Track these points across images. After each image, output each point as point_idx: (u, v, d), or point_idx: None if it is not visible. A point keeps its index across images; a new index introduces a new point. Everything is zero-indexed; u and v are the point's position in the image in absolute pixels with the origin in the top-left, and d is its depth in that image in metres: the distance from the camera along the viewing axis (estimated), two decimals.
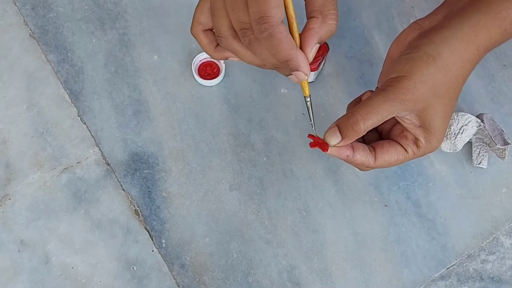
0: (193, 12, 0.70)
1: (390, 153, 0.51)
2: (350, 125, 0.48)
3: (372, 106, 0.48)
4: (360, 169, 0.55)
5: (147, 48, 0.69)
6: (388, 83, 0.48)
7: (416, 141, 0.51)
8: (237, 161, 0.66)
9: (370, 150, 0.52)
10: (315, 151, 0.66)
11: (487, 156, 0.65)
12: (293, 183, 0.65)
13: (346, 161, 0.52)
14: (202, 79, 0.67)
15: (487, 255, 0.65)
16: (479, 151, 0.65)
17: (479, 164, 0.65)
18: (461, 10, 0.49)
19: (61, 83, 0.67)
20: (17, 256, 0.63)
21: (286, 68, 0.43)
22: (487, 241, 0.65)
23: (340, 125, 0.49)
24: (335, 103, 0.67)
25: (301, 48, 0.44)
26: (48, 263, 0.63)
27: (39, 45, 0.68)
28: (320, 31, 0.44)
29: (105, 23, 0.69)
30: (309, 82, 0.68)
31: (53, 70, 0.68)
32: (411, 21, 0.70)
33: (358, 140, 0.54)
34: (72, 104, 0.67)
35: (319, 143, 0.51)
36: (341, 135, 0.49)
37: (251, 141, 0.66)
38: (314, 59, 0.63)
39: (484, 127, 0.63)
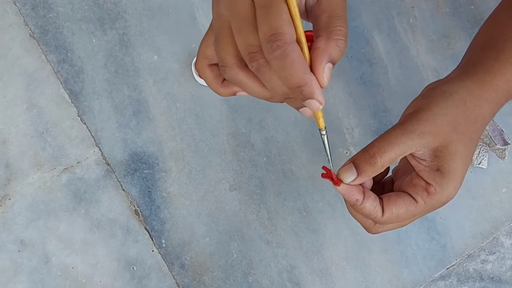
0: (193, 13, 0.71)
1: (398, 204, 0.46)
2: (367, 160, 0.45)
3: (389, 139, 0.44)
4: (367, 229, 0.50)
5: (147, 48, 0.69)
6: (406, 117, 0.46)
7: (427, 187, 0.46)
8: (237, 161, 0.66)
9: (379, 202, 0.47)
10: (315, 151, 0.66)
11: (487, 156, 0.65)
12: (293, 183, 0.65)
13: (354, 207, 0.47)
14: (202, 79, 0.67)
15: (487, 255, 0.65)
16: (479, 151, 0.65)
17: (479, 164, 0.65)
18: (474, 60, 0.48)
19: (61, 83, 0.67)
20: (17, 256, 0.63)
21: (298, 95, 0.37)
22: (487, 241, 0.65)
23: (356, 161, 0.46)
24: (335, 104, 0.67)
25: (311, 70, 0.38)
26: (48, 263, 0.63)
27: (39, 45, 0.68)
28: (328, 48, 0.37)
29: (105, 23, 0.69)
30: None
31: (53, 70, 0.68)
32: (411, 21, 0.70)
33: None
34: (72, 104, 0.67)
35: (332, 177, 0.46)
36: (357, 171, 0.45)
37: (251, 141, 0.66)
38: None
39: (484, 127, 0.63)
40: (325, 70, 0.38)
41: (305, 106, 0.39)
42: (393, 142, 0.44)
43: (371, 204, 0.46)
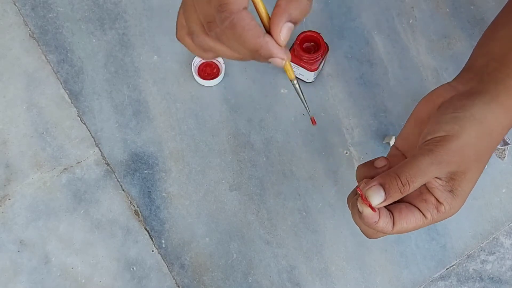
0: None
1: (408, 219, 0.46)
2: (399, 187, 0.44)
3: (420, 168, 0.44)
4: (368, 236, 0.49)
5: (147, 49, 0.69)
6: (436, 143, 0.45)
7: (438, 206, 0.46)
8: (237, 161, 0.66)
9: (390, 216, 0.47)
10: (315, 151, 0.66)
11: None
12: (293, 184, 0.65)
13: (370, 226, 0.46)
14: (202, 79, 0.67)
15: (486, 255, 0.65)
16: None
17: None
18: (494, 76, 0.48)
19: (61, 83, 0.67)
20: (17, 256, 0.63)
21: (259, 57, 0.39)
22: (487, 241, 0.65)
23: (386, 185, 0.45)
24: (335, 104, 0.67)
25: (269, 31, 0.39)
26: (48, 263, 0.63)
27: (39, 45, 0.68)
28: (288, 7, 0.38)
29: (105, 23, 0.69)
30: (308, 83, 0.68)
31: (53, 70, 0.68)
32: (411, 22, 0.70)
33: None
34: (72, 104, 0.67)
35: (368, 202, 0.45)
36: (385, 195, 0.45)
37: (251, 141, 0.66)
38: (313, 59, 0.63)
39: None
40: (282, 30, 0.38)
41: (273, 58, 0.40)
42: (424, 171, 0.44)
43: (384, 221, 0.46)
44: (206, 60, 0.67)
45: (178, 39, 0.45)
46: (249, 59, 0.42)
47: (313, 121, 0.48)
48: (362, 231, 0.49)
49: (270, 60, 0.39)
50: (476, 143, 0.45)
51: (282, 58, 0.39)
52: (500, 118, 0.46)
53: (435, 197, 0.46)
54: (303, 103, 0.46)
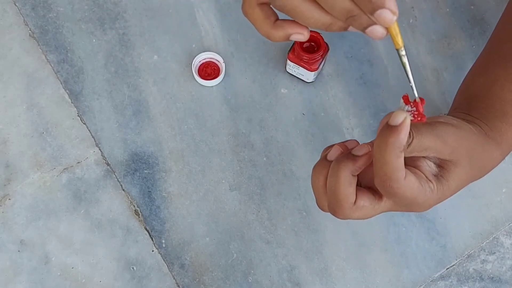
0: (193, 13, 0.70)
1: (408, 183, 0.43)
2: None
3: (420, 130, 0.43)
4: (339, 208, 0.45)
5: (147, 48, 0.69)
6: (435, 123, 0.45)
7: (427, 181, 0.45)
8: (237, 161, 0.66)
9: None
10: (315, 151, 0.66)
11: None
12: (293, 183, 0.65)
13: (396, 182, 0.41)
14: (202, 80, 0.67)
15: (487, 255, 0.65)
16: None
17: None
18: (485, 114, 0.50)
19: (61, 83, 0.67)
20: (17, 256, 0.63)
21: (365, 6, 0.33)
22: (487, 241, 0.65)
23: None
24: (335, 104, 0.67)
25: None
26: (48, 263, 0.63)
27: (39, 45, 0.68)
28: None
29: (105, 23, 0.69)
30: (308, 83, 0.68)
31: (53, 70, 0.68)
32: (411, 21, 0.70)
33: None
34: (72, 104, 0.67)
35: (418, 109, 0.39)
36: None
37: (251, 141, 0.66)
38: (314, 58, 0.63)
39: None
40: None
41: (373, 24, 0.34)
42: (423, 136, 0.43)
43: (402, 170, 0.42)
44: (207, 60, 0.67)
45: (245, 12, 0.39)
46: (337, 26, 0.36)
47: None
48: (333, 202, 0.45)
49: (377, 13, 0.33)
50: (470, 143, 0.46)
51: (394, 11, 0.33)
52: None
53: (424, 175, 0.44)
54: (410, 82, 0.40)
